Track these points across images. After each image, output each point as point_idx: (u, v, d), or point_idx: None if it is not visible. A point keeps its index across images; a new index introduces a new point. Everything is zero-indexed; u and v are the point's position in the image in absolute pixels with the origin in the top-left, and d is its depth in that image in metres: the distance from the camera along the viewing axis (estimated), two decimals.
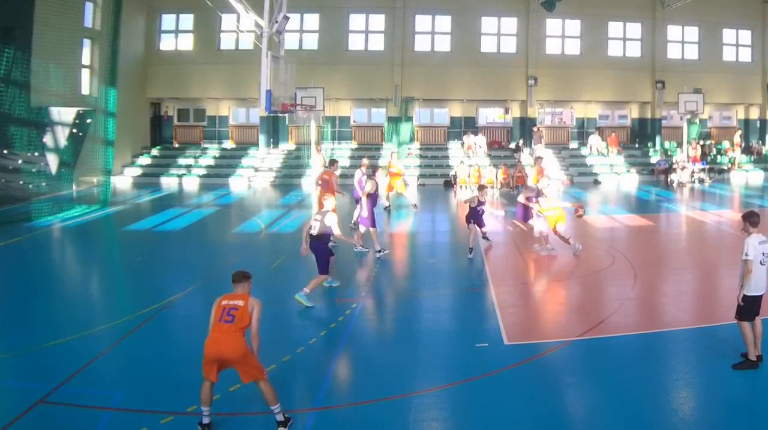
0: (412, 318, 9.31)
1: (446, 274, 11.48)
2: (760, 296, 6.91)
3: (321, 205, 14.54)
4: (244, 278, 6.04)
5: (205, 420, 5.68)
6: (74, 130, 21.58)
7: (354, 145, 29.39)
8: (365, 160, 16.34)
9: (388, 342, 8.45)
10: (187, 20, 28.59)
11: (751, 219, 6.98)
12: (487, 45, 29.23)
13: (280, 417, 5.72)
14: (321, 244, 9.54)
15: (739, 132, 29.92)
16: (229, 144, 29.66)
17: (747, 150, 29.57)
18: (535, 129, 28.67)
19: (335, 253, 10.14)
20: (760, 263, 6.83)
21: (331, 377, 6.96)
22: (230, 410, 6.14)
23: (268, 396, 5.70)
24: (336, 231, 9.59)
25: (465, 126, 29.76)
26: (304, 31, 28.53)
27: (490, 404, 6.38)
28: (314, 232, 9.49)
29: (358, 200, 13.70)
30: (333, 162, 15.45)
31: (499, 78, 28.70)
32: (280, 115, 24.37)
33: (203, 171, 26.90)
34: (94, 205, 18.89)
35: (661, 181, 26.11)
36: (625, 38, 29.52)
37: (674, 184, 24.94)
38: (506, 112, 30.26)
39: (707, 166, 26.85)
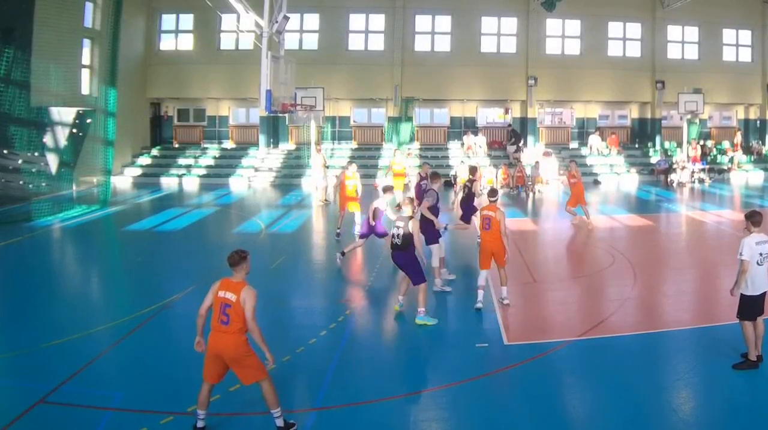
0: (412, 318, 9.31)
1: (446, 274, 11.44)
2: (761, 296, 6.92)
3: (343, 208, 14.42)
4: (242, 259, 5.65)
5: (200, 424, 5.62)
6: (74, 130, 21.58)
7: (354, 145, 29.39)
8: (426, 166, 14.94)
9: (387, 342, 8.45)
10: (187, 20, 28.58)
11: (752, 218, 6.97)
12: (487, 45, 29.22)
13: (280, 422, 5.63)
14: (408, 252, 8.63)
15: (739, 132, 29.92)
16: (229, 144, 29.65)
17: (747, 150, 29.59)
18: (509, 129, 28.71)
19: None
20: (758, 263, 6.84)
21: (331, 377, 6.96)
22: (230, 410, 6.14)
23: (270, 398, 5.60)
24: (415, 240, 8.60)
25: (465, 126, 29.76)
26: (304, 31, 28.53)
27: (490, 404, 6.38)
28: (399, 241, 8.60)
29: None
30: (349, 163, 15.25)
31: (499, 78, 28.70)
32: (280, 115, 24.37)
33: (203, 171, 26.90)
34: (94, 205, 18.89)
35: (661, 181, 26.12)
36: (625, 38, 29.51)
37: (674, 184, 24.95)
38: (506, 112, 30.26)
39: (707, 166, 26.87)
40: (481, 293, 9.17)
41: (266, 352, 5.56)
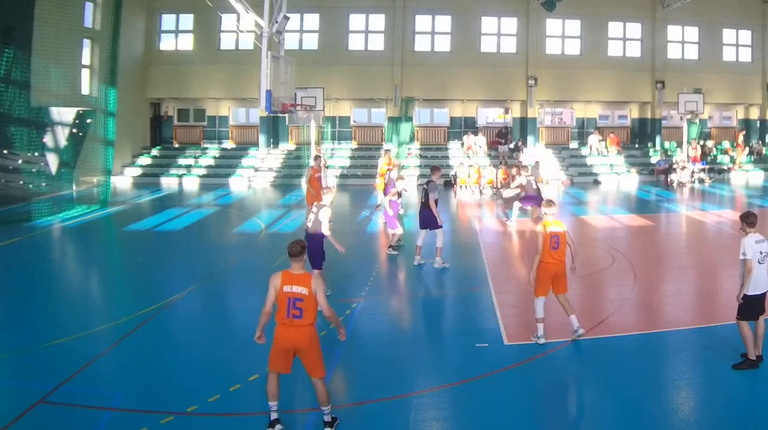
0: (412, 318, 9.32)
1: (446, 274, 11.47)
2: (761, 295, 6.93)
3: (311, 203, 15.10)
4: (303, 249, 5.69)
5: (273, 415, 5.64)
6: (74, 130, 21.58)
7: (354, 145, 29.39)
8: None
9: (387, 342, 8.44)
10: (187, 20, 28.59)
11: (748, 219, 7.03)
12: (487, 45, 29.23)
13: (328, 418, 5.76)
14: (317, 238, 9.18)
15: (743, 133, 29.86)
16: (229, 144, 29.67)
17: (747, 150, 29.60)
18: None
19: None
20: (759, 262, 6.86)
21: (331, 377, 6.95)
22: (231, 410, 6.14)
23: (323, 396, 5.70)
24: (325, 230, 9.19)
25: (465, 126, 29.77)
26: (304, 31, 28.54)
27: (490, 404, 6.38)
28: (310, 225, 9.33)
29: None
30: (316, 158, 16.00)
31: (499, 78, 28.71)
32: (280, 115, 24.34)
33: (203, 171, 26.90)
34: (94, 205, 18.89)
35: (661, 181, 26.12)
36: (625, 38, 29.52)
37: (674, 184, 24.95)
38: (506, 112, 30.27)
39: (707, 166, 26.87)
40: (541, 326, 7.87)
41: (339, 328, 5.93)
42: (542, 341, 7.79)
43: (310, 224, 9.36)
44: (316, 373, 5.67)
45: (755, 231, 6.99)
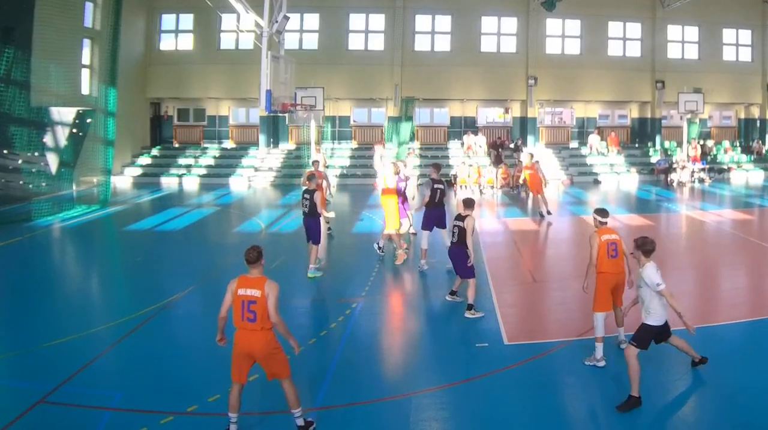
0: (412, 318, 9.32)
1: (447, 274, 11.46)
2: (664, 325, 6.35)
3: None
4: (260, 255, 5.63)
5: (232, 427, 5.61)
6: (74, 130, 21.57)
7: (354, 145, 29.40)
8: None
9: (388, 342, 8.45)
10: (187, 20, 28.59)
11: (644, 247, 6.25)
12: (487, 45, 29.23)
13: (300, 421, 5.68)
14: (315, 218, 10.92)
15: None
16: (229, 144, 29.67)
17: (747, 150, 29.62)
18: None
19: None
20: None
21: (331, 377, 6.96)
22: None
23: (290, 398, 5.65)
24: (319, 208, 10.82)
25: (465, 126, 29.77)
26: (304, 31, 28.54)
27: (490, 404, 6.38)
28: (307, 209, 10.91)
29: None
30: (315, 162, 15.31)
31: (499, 78, 28.71)
32: (280, 115, 24.38)
33: (203, 171, 26.91)
34: (94, 205, 18.90)
35: (661, 180, 26.12)
36: (625, 38, 29.53)
37: (674, 184, 24.96)
38: (506, 112, 30.28)
39: (707, 166, 26.87)
40: (600, 347, 7.16)
41: (291, 340, 5.67)
42: (602, 364, 7.04)
43: (307, 210, 10.96)
44: (276, 375, 5.62)
45: (650, 260, 6.24)
